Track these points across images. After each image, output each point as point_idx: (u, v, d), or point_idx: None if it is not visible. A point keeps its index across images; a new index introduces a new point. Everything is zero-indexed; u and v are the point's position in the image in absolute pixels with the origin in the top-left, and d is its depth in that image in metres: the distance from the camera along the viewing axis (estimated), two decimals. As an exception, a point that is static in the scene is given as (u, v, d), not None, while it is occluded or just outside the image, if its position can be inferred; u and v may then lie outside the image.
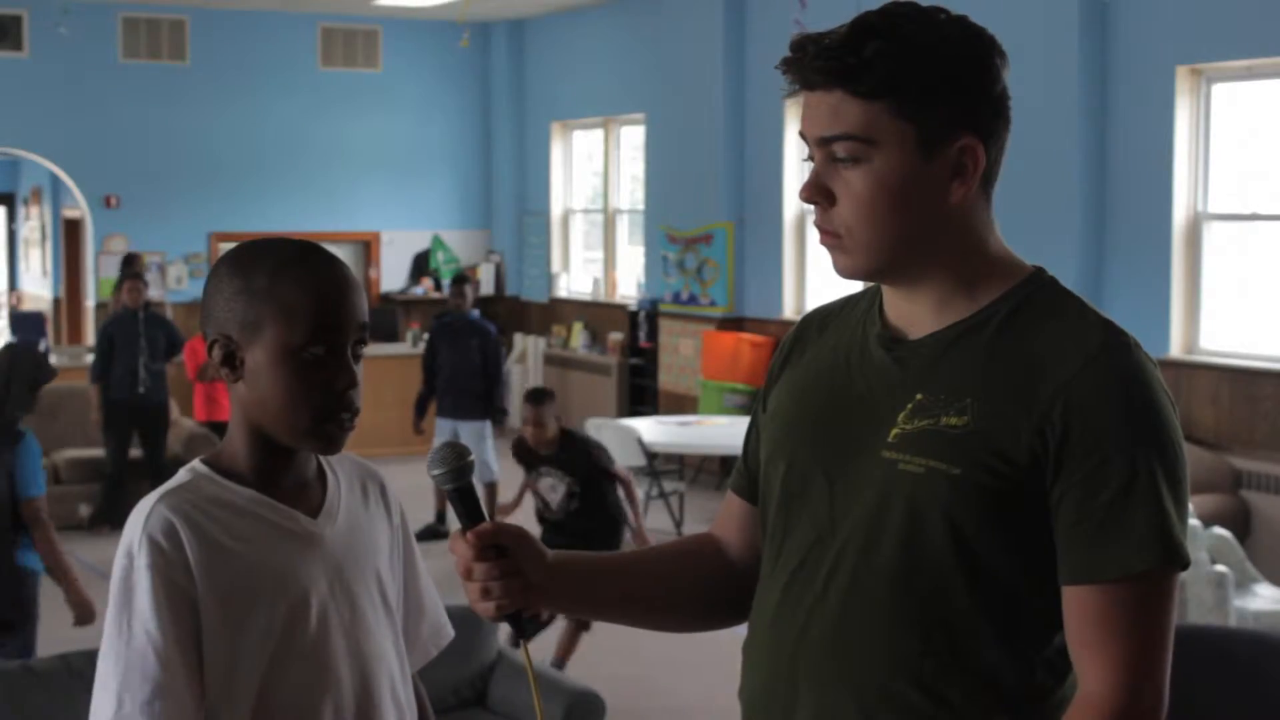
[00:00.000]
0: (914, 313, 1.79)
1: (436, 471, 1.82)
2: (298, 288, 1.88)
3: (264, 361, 1.88)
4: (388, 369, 12.60)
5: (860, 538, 1.74)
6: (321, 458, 2.00)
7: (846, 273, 1.77)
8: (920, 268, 1.76)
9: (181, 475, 1.93)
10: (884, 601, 1.72)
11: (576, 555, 1.96)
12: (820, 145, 1.73)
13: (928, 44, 1.69)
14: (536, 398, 6.73)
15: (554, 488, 6.65)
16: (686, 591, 2.01)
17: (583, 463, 6.65)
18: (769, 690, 1.83)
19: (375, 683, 1.97)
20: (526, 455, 6.79)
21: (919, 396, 1.73)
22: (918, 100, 1.69)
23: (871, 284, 1.86)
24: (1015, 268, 1.79)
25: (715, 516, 2.08)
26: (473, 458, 1.84)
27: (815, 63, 1.70)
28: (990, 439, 1.68)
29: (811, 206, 1.77)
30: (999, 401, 1.69)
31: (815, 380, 1.86)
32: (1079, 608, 1.67)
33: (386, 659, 2.00)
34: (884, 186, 1.70)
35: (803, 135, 1.76)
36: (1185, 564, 1.66)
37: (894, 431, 1.73)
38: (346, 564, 1.96)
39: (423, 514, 9.60)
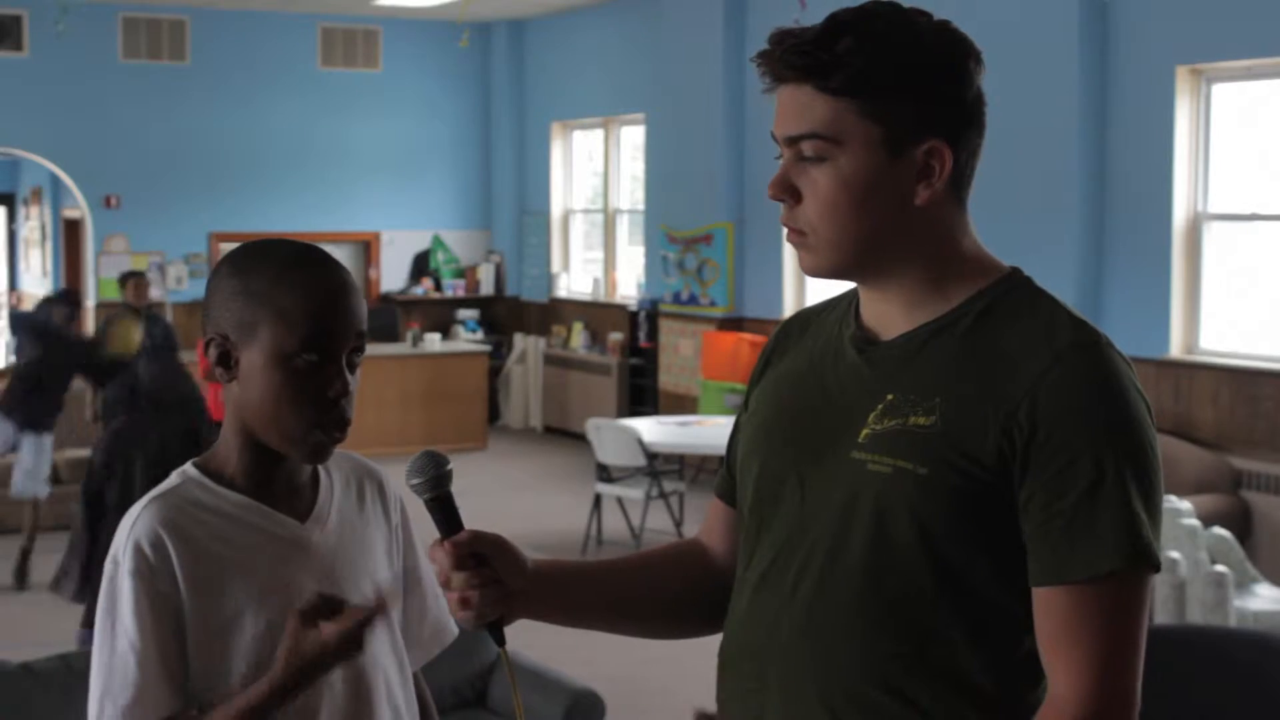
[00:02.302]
0: (887, 313, 1.78)
1: (415, 480, 1.81)
2: (296, 292, 1.86)
3: (258, 364, 1.87)
4: (388, 369, 12.61)
5: (829, 539, 1.73)
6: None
7: (811, 270, 1.78)
8: (886, 267, 1.75)
9: (172, 479, 1.93)
10: (852, 603, 1.71)
11: (558, 563, 1.94)
12: (789, 144, 1.74)
13: (899, 44, 1.69)
14: None
15: None
16: (671, 597, 1.99)
17: None
18: (740, 693, 1.82)
19: (368, 686, 1.96)
20: None
21: (889, 397, 1.73)
22: (885, 100, 1.68)
23: (850, 286, 1.86)
24: (990, 268, 1.77)
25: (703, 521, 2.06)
26: (451, 466, 1.82)
27: (787, 56, 1.71)
28: (958, 439, 1.67)
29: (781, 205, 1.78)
30: (967, 401, 1.68)
31: (792, 382, 1.86)
32: (1047, 610, 1.65)
33: (381, 661, 1.98)
34: (848, 186, 1.70)
35: (774, 135, 1.77)
36: (1155, 566, 1.64)
37: (864, 432, 1.73)
38: (337, 567, 1.95)
39: (424, 513, 9.59)
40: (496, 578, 1.81)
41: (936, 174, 1.71)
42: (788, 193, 1.74)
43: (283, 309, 1.85)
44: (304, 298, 1.86)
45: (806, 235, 1.75)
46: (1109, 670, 1.63)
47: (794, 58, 1.70)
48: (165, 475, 1.96)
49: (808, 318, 1.94)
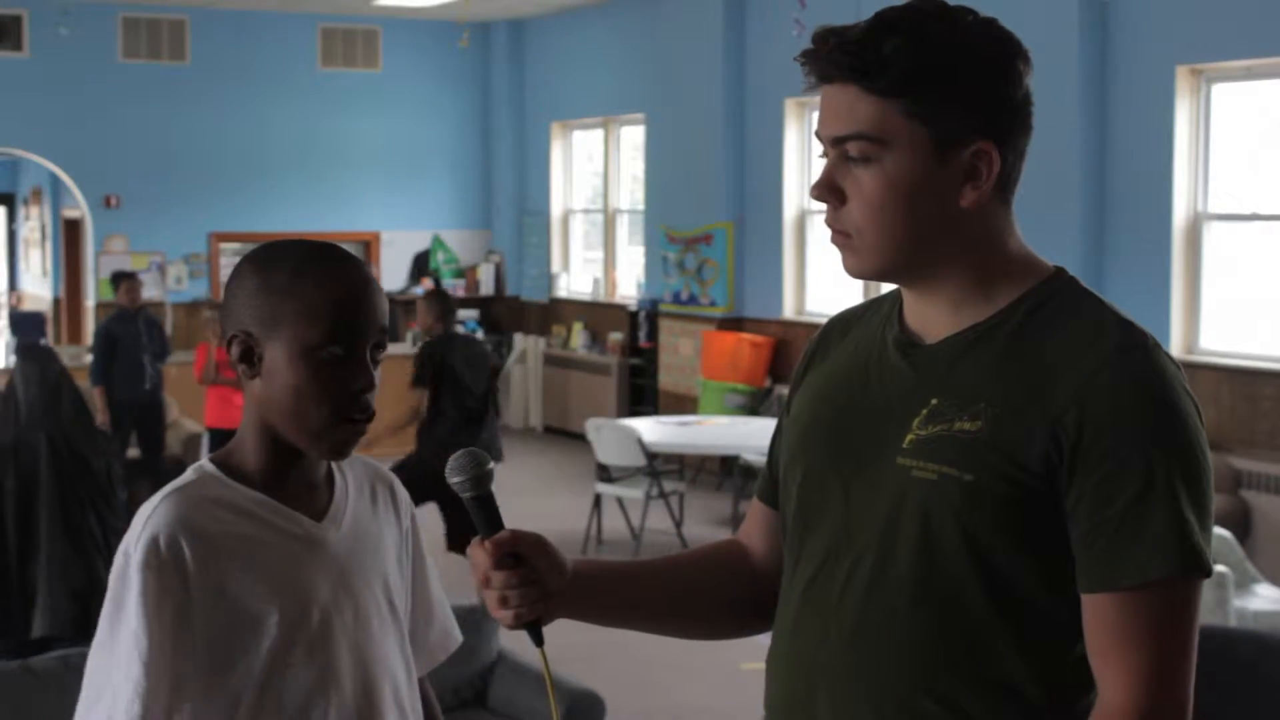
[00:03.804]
0: (931, 315, 1.76)
1: (456, 479, 1.80)
2: (318, 286, 1.87)
3: (281, 359, 1.87)
4: (387, 369, 12.53)
5: (875, 546, 1.71)
6: (334, 462, 1.99)
7: (855, 272, 1.75)
8: (930, 269, 1.73)
9: (189, 474, 1.92)
10: (900, 610, 1.69)
11: (597, 562, 1.93)
12: (834, 144, 1.71)
13: (948, 44, 1.67)
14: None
15: None
16: (712, 598, 1.98)
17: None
18: (789, 701, 1.81)
19: (377, 687, 1.96)
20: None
21: (934, 401, 1.70)
22: (932, 101, 1.66)
23: (892, 288, 1.84)
24: (1035, 269, 1.75)
25: (743, 522, 2.04)
26: (492, 466, 1.82)
27: (833, 55, 1.68)
28: (1004, 444, 1.64)
29: (821, 206, 1.76)
30: (1013, 406, 1.65)
31: (834, 385, 1.84)
32: (1097, 616, 1.63)
33: (390, 663, 1.99)
34: (894, 187, 1.68)
35: (818, 135, 1.75)
36: (1207, 571, 1.61)
37: (909, 438, 1.70)
38: (351, 568, 1.95)
39: (431, 520, 9.59)
40: (536, 578, 1.80)
41: (984, 176, 1.69)
42: (832, 194, 1.72)
43: (306, 302, 1.86)
44: (327, 291, 1.87)
45: (851, 237, 1.72)
46: (1160, 677, 1.61)
47: (840, 57, 1.67)
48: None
49: (849, 319, 1.92)
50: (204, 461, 1.94)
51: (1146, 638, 1.61)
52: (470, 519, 1.81)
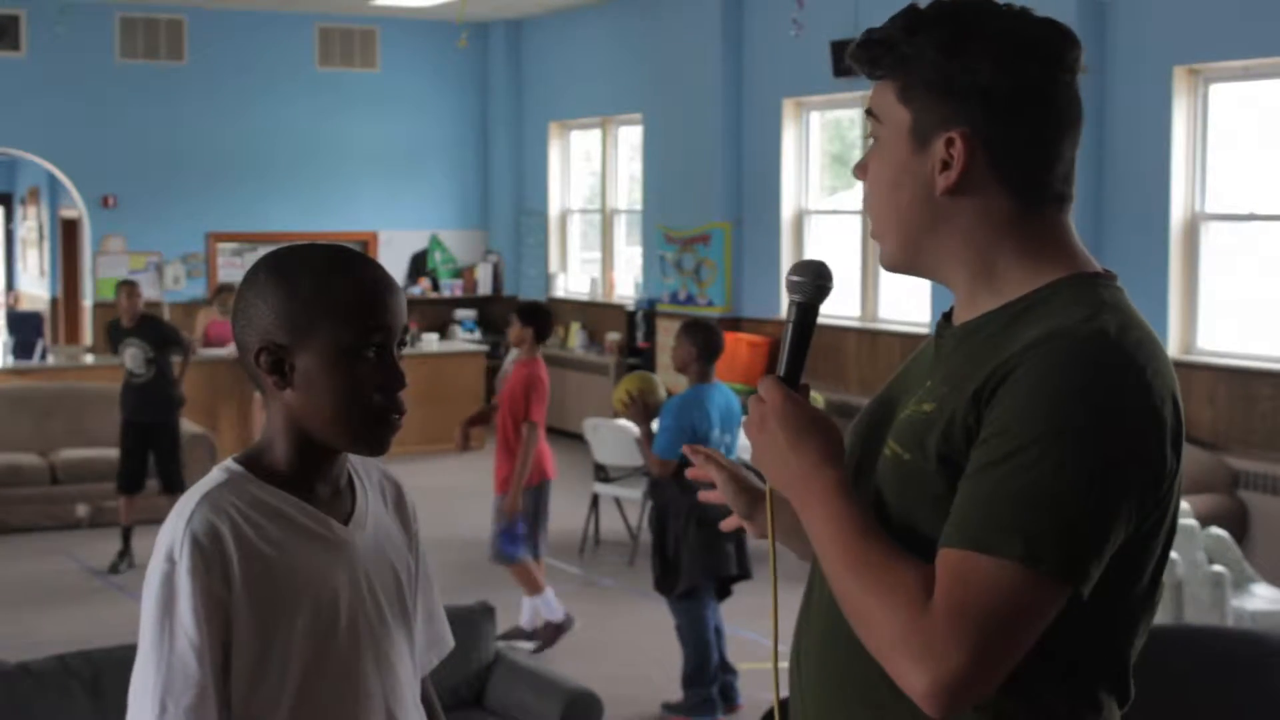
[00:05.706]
0: (958, 305, 1.78)
1: (797, 278, 1.79)
2: (348, 288, 1.87)
3: (316, 365, 1.87)
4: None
5: None
6: (351, 466, 2.00)
7: (883, 264, 1.81)
8: (933, 261, 1.76)
9: (217, 474, 1.90)
10: None
11: None
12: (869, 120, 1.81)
13: (942, 33, 1.69)
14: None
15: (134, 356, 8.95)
16: None
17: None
18: (794, 654, 1.85)
19: (399, 689, 1.98)
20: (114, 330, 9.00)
21: (928, 383, 1.73)
22: (913, 85, 1.71)
23: None
24: (1049, 267, 1.72)
25: None
26: (832, 285, 1.80)
27: (853, 48, 1.77)
28: (941, 425, 1.65)
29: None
30: (959, 389, 1.66)
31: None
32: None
33: (406, 664, 2.01)
34: (882, 169, 1.75)
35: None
36: (1018, 557, 1.54)
37: (900, 416, 1.74)
38: (373, 571, 1.96)
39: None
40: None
41: (954, 164, 1.69)
42: (861, 169, 1.80)
43: (338, 306, 1.86)
44: (357, 294, 1.88)
45: (873, 224, 1.80)
46: (946, 639, 1.55)
47: (858, 50, 1.76)
48: None
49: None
50: (229, 462, 1.93)
51: (944, 600, 1.56)
52: None
